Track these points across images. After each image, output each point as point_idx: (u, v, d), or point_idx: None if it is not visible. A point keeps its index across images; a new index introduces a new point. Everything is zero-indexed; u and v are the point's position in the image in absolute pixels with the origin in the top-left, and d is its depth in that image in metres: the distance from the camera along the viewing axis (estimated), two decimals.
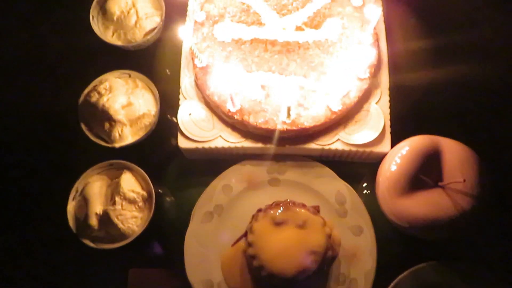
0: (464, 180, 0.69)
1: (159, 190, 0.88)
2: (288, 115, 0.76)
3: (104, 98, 0.84)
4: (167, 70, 0.96)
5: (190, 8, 0.89)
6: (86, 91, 0.88)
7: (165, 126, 0.89)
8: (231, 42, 0.84)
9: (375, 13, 0.76)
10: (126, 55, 0.94)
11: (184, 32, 0.88)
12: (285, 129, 0.78)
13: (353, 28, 0.84)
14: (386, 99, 0.84)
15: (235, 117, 0.79)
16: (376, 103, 0.83)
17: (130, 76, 0.91)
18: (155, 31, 0.92)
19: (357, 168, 0.88)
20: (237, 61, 0.83)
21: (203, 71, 0.83)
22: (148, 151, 0.88)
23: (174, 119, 0.85)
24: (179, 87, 0.86)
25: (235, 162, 0.86)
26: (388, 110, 0.83)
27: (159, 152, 0.90)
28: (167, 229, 0.88)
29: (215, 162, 0.87)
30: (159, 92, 0.88)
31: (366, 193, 0.89)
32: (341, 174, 0.85)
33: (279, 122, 0.78)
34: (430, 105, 0.87)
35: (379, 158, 0.82)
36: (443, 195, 0.72)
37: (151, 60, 0.95)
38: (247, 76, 0.81)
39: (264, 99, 0.80)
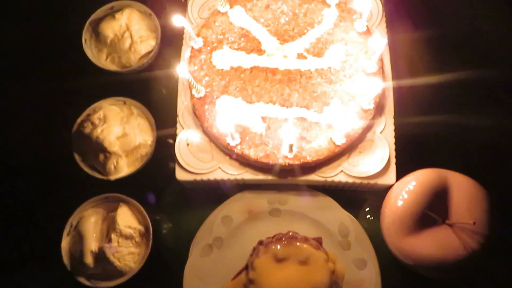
0: (474, 223, 0.67)
1: (157, 217, 0.86)
2: (290, 150, 0.74)
3: (98, 130, 0.81)
4: (163, 90, 0.92)
5: (186, 33, 0.85)
6: (79, 120, 0.85)
7: (162, 153, 0.86)
8: (230, 70, 0.81)
9: (381, 43, 0.73)
10: (121, 79, 0.91)
11: (180, 64, 0.84)
12: (287, 164, 0.75)
13: (357, 55, 0.81)
14: (391, 128, 0.81)
15: (235, 150, 0.76)
16: (381, 132, 0.80)
17: (125, 103, 0.87)
18: (151, 55, 0.89)
19: (360, 192, 0.86)
20: (236, 91, 0.79)
21: (201, 101, 0.80)
22: (144, 181, 0.85)
23: (170, 140, 0.82)
24: (176, 112, 0.83)
25: (234, 191, 0.83)
26: (393, 140, 0.80)
27: (156, 181, 0.87)
28: (165, 258, 0.85)
29: (214, 189, 0.85)
30: (155, 117, 0.85)
31: (369, 218, 0.86)
32: (343, 198, 0.82)
33: (281, 156, 0.75)
34: (436, 135, 0.84)
35: (384, 189, 0.80)
36: (451, 234, 0.70)
37: (147, 84, 0.91)
38: (247, 108, 0.78)
39: (265, 131, 0.77)
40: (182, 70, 0.74)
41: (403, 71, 0.84)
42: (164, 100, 0.88)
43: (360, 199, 0.87)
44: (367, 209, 0.87)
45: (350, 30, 0.82)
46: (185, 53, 0.84)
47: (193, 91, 0.79)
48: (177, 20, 0.77)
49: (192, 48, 0.83)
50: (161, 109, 0.88)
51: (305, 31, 0.83)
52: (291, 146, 0.72)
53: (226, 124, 0.72)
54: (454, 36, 0.87)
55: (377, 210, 0.80)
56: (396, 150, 0.80)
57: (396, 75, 0.81)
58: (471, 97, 0.84)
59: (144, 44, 0.89)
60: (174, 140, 0.82)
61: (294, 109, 0.78)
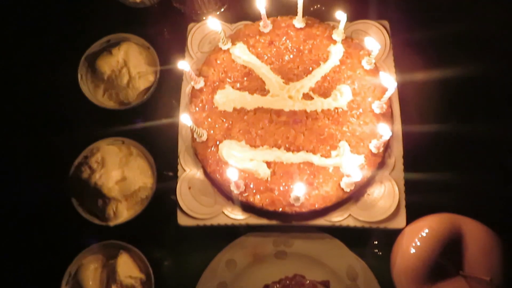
0: (490, 280, 0.64)
1: (158, 260, 0.83)
2: (297, 200, 0.71)
3: (97, 175, 0.77)
4: (163, 127, 0.88)
5: (187, 74, 0.81)
6: (76, 162, 0.82)
7: (162, 195, 0.82)
8: (232, 112, 0.78)
9: (390, 86, 0.70)
10: (119, 116, 0.87)
11: (180, 106, 0.81)
12: (293, 212, 0.72)
13: (365, 94, 0.78)
14: (400, 168, 0.78)
15: (239, 198, 0.73)
16: (390, 173, 0.77)
17: (123, 142, 0.84)
18: (150, 91, 0.85)
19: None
20: (240, 134, 0.76)
21: (203, 145, 0.77)
22: (145, 225, 0.82)
23: (171, 173, 0.80)
24: (176, 152, 0.80)
25: (239, 234, 0.80)
26: (403, 181, 0.78)
27: (157, 224, 0.84)
28: None
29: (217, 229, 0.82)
30: (155, 157, 0.82)
31: (377, 253, 0.84)
32: (349, 232, 0.79)
33: (287, 203, 0.72)
34: (446, 175, 0.80)
35: (393, 232, 0.77)
36: (465, 287, 0.67)
37: (146, 121, 0.88)
38: (252, 153, 0.75)
39: (270, 177, 0.74)
40: (183, 117, 0.71)
41: (411, 109, 0.80)
42: (164, 138, 0.84)
43: (368, 233, 0.84)
44: (375, 242, 0.84)
45: (357, 67, 0.79)
46: (185, 93, 0.80)
47: (195, 135, 0.76)
48: (179, 64, 0.73)
49: (193, 88, 0.79)
50: (161, 148, 0.84)
51: (311, 69, 0.80)
52: (297, 198, 0.69)
53: (231, 174, 0.69)
54: (464, 77, 0.84)
55: (385, 245, 0.78)
56: (405, 191, 0.77)
57: (404, 115, 0.78)
58: (480, 137, 0.81)
59: (142, 80, 0.86)
60: (175, 182, 0.79)
61: (300, 154, 0.75)
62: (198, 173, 0.79)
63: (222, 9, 0.91)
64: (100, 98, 0.88)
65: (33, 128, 0.89)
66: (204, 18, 0.90)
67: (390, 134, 0.69)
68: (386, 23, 0.86)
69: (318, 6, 0.93)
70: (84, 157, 0.81)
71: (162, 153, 0.84)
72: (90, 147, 0.82)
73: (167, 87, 0.88)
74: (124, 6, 0.92)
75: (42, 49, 0.93)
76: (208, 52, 0.85)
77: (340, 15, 0.75)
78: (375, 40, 0.73)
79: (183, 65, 0.74)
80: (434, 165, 0.81)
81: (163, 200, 0.81)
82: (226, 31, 0.87)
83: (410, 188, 0.77)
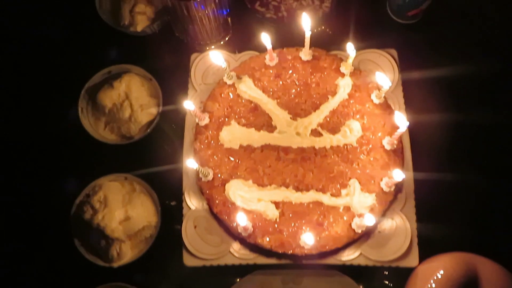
0: None
1: None
2: (307, 244, 0.68)
3: (99, 216, 0.75)
4: (168, 161, 0.85)
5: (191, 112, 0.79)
6: (78, 200, 0.79)
7: (167, 233, 0.79)
8: (239, 149, 0.75)
9: (402, 124, 0.68)
10: (121, 149, 0.85)
11: (184, 150, 0.79)
12: (303, 254, 0.70)
13: (375, 129, 0.75)
14: (411, 204, 0.76)
15: (247, 240, 0.71)
16: (401, 209, 0.75)
17: (126, 178, 0.82)
18: (153, 124, 0.83)
19: None
20: (246, 173, 0.74)
21: (209, 185, 0.74)
22: (149, 265, 0.80)
23: (174, 206, 0.78)
24: (181, 188, 0.78)
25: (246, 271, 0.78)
26: (414, 217, 0.75)
27: (162, 264, 0.81)
28: None
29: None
30: (159, 193, 0.80)
31: (388, 284, 0.82)
32: (359, 269, 0.76)
33: (297, 245, 0.70)
34: (459, 209, 0.78)
35: (405, 269, 0.75)
36: None
37: (149, 155, 0.85)
38: (259, 193, 0.73)
39: (279, 218, 0.72)
40: (189, 161, 0.69)
41: (422, 141, 0.78)
42: (168, 173, 0.82)
43: (379, 269, 0.82)
44: (386, 281, 0.82)
45: (366, 101, 0.77)
46: (190, 128, 0.78)
47: (200, 175, 0.74)
48: (184, 104, 0.71)
49: (197, 125, 0.77)
50: (165, 183, 0.82)
51: (318, 103, 0.77)
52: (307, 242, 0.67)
53: (239, 219, 0.67)
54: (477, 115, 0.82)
55: (397, 282, 0.76)
56: (417, 228, 0.75)
57: (415, 147, 0.76)
58: (495, 171, 0.80)
59: (145, 113, 0.84)
60: (180, 219, 0.77)
61: (309, 193, 0.72)
62: (204, 211, 0.76)
63: (227, 38, 0.88)
64: (102, 131, 0.86)
65: (33, 165, 0.86)
66: (207, 48, 0.87)
67: (403, 177, 0.67)
68: (394, 52, 0.84)
69: (325, 33, 0.90)
70: (86, 196, 0.79)
71: (166, 188, 0.81)
72: (92, 184, 0.80)
73: (170, 120, 0.85)
74: (125, 35, 0.90)
75: (41, 81, 0.90)
76: (212, 84, 0.83)
77: (350, 49, 0.73)
78: (384, 75, 0.71)
79: (187, 104, 0.72)
80: (446, 200, 0.78)
81: (168, 238, 0.79)
82: (231, 62, 0.84)
83: (422, 223, 0.75)
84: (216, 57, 0.74)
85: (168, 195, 0.81)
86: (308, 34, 0.73)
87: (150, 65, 0.87)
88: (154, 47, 0.91)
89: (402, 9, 0.90)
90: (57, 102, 0.88)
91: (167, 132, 0.85)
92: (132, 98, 0.83)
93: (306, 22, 0.72)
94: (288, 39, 0.89)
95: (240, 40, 0.89)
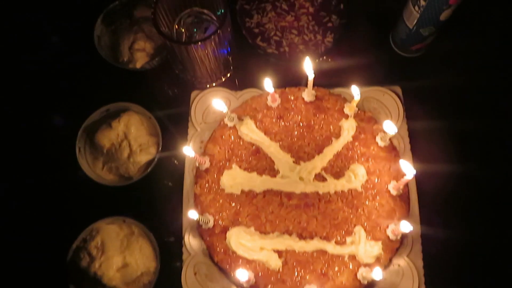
0: None
1: None
2: None
3: (96, 264, 0.73)
4: (167, 203, 0.82)
5: (190, 149, 0.77)
6: (74, 245, 0.77)
7: (167, 279, 0.77)
8: (240, 194, 0.73)
9: (409, 172, 0.66)
10: (120, 190, 0.82)
11: (184, 195, 0.77)
12: None
13: (380, 172, 0.73)
14: (418, 248, 0.73)
15: None
16: (407, 255, 0.73)
17: (124, 221, 0.79)
18: (152, 165, 0.81)
19: None
20: (248, 220, 0.72)
21: (210, 232, 0.72)
22: None
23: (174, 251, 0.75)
24: (181, 232, 0.75)
25: None
26: (421, 263, 0.73)
27: None
28: None
29: None
30: (158, 236, 0.77)
31: None
32: None
33: None
34: (465, 255, 0.76)
35: None
36: None
37: (148, 196, 0.83)
38: (262, 241, 0.70)
39: (282, 268, 0.69)
40: (190, 213, 0.67)
41: (428, 188, 0.76)
42: (168, 215, 0.80)
43: None
44: None
45: (371, 143, 0.75)
46: (189, 170, 0.76)
47: (200, 222, 0.71)
48: (183, 150, 0.69)
49: (198, 169, 0.75)
50: (164, 225, 0.80)
51: (322, 145, 0.75)
52: None
53: (241, 275, 0.64)
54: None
55: None
56: (425, 274, 0.73)
57: (421, 192, 0.74)
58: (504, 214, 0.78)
59: (144, 153, 0.82)
60: (180, 265, 0.74)
61: (313, 242, 0.70)
62: (204, 256, 0.74)
63: (228, 75, 0.86)
64: (100, 171, 0.83)
65: (29, 206, 0.84)
66: (208, 85, 0.85)
67: (411, 229, 0.65)
68: (398, 89, 0.83)
69: (327, 69, 0.89)
70: (83, 240, 0.77)
71: (166, 230, 0.79)
72: (89, 228, 0.78)
73: (170, 160, 0.83)
74: (124, 71, 0.88)
75: (38, 119, 0.89)
76: (213, 123, 0.81)
77: (355, 92, 0.71)
78: (391, 122, 0.69)
79: (187, 151, 0.70)
80: (453, 243, 0.76)
81: (167, 285, 0.76)
82: (232, 100, 0.83)
83: (429, 268, 0.73)
84: (217, 103, 0.72)
85: (167, 236, 0.79)
86: (311, 77, 0.72)
87: (150, 102, 0.85)
88: (153, 83, 0.89)
89: (405, 43, 0.89)
90: (54, 141, 0.86)
91: (166, 172, 0.83)
92: (131, 138, 0.82)
93: (309, 66, 0.71)
94: (290, 74, 0.87)
95: (242, 77, 0.88)
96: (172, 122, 0.85)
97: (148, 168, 0.81)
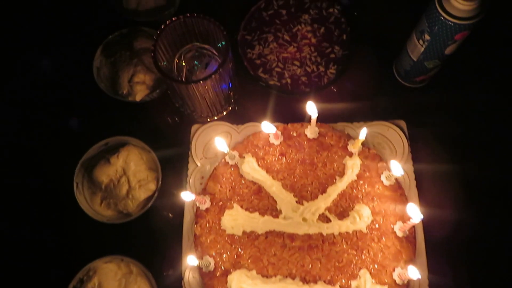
0: None
1: None
2: None
3: None
4: (166, 242, 0.80)
5: (190, 184, 0.76)
6: (71, 286, 0.74)
7: None
8: (242, 236, 0.71)
9: (416, 216, 0.64)
10: (118, 227, 0.80)
11: (184, 235, 0.75)
12: None
13: (385, 212, 0.71)
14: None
15: None
16: None
17: (122, 260, 0.77)
18: (151, 202, 0.79)
19: None
20: (250, 262, 0.70)
21: (211, 275, 0.70)
22: None
23: None
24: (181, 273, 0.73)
25: None
26: None
27: None
28: None
29: None
30: (156, 276, 0.75)
31: None
32: None
33: None
34: None
35: None
36: None
37: (147, 234, 0.81)
38: (264, 286, 0.68)
39: None
40: (189, 259, 0.65)
41: (435, 231, 0.74)
42: (167, 254, 0.78)
43: None
44: None
45: (376, 182, 0.73)
46: (189, 209, 0.74)
47: (201, 265, 0.69)
48: (181, 195, 0.68)
49: (198, 208, 0.73)
50: (164, 265, 0.78)
51: (325, 184, 0.73)
52: None
53: None
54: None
55: None
56: None
57: (428, 233, 0.72)
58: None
59: (143, 189, 0.80)
60: None
61: (317, 286, 0.68)
62: None
63: (229, 108, 0.85)
64: (98, 206, 0.81)
65: (23, 244, 0.82)
66: (209, 119, 0.84)
67: (419, 277, 0.62)
68: (402, 123, 0.81)
69: (330, 101, 0.87)
70: (80, 281, 0.75)
71: (165, 271, 0.77)
72: (86, 267, 0.76)
73: (170, 196, 0.81)
74: (123, 103, 0.86)
75: (35, 153, 0.87)
76: (214, 158, 0.79)
77: (362, 133, 0.69)
78: (397, 163, 0.67)
79: (185, 196, 0.68)
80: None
81: None
82: (233, 134, 0.81)
83: None
84: (219, 143, 0.70)
85: (167, 276, 0.77)
86: (314, 117, 0.70)
87: (149, 135, 0.84)
88: (153, 116, 0.88)
89: (409, 74, 0.87)
90: (51, 176, 0.85)
91: (166, 209, 0.81)
92: (129, 174, 0.80)
93: (312, 108, 0.69)
94: (292, 107, 0.86)
95: (243, 110, 0.86)
96: (172, 157, 0.83)
97: (147, 204, 0.79)
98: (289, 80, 0.87)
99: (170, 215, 0.81)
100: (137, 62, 0.85)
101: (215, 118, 0.84)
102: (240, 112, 0.86)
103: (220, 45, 0.78)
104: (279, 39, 0.90)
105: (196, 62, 0.82)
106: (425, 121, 0.86)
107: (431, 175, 0.79)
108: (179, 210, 0.78)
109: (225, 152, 0.71)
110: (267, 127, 0.71)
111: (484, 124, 0.86)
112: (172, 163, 0.83)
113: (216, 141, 0.71)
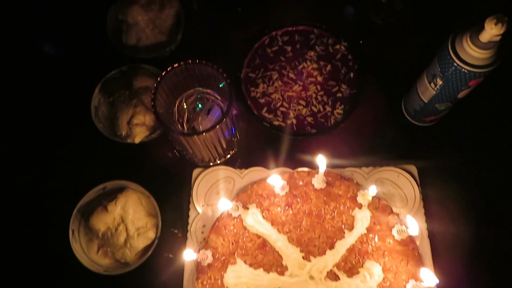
0: None
1: None
2: None
3: None
4: (169, 273, 0.78)
5: (191, 233, 0.72)
6: None
7: None
8: None
9: (431, 281, 0.60)
10: (116, 278, 0.77)
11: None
12: None
13: (397, 269, 0.68)
14: None
15: None
16: None
17: None
18: (150, 250, 0.75)
19: None
20: None
21: None
22: None
23: None
24: None
25: None
26: None
27: None
28: None
29: None
30: None
31: None
32: None
33: None
34: None
35: None
36: None
37: (145, 280, 0.77)
38: None
39: None
40: None
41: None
42: None
43: None
44: None
45: (387, 235, 0.69)
46: (190, 263, 0.71)
47: None
48: (183, 255, 0.64)
49: (199, 263, 0.69)
50: None
51: (333, 238, 0.70)
52: None
53: None
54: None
55: None
56: None
57: None
58: None
59: (141, 238, 0.76)
60: None
61: None
62: None
63: (232, 152, 0.81)
64: (94, 254, 0.78)
65: None
66: (211, 163, 0.80)
67: None
68: (413, 168, 0.78)
69: (337, 144, 0.84)
70: None
71: None
72: None
73: (169, 244, 0.78)
74: (121, 145, 0.83)
75: (30, 199, 0.83)
76: (216, 205, 0.75)
77: (372, 190, 0.66)
78: (414, 220, 0.64)
79: (187, 255, 0.64)
80: None
81: None
82: (236, 179, 0.78)
83: None
84: (223, 204, 0.67)
85: None
86: (322, 171, 0.67)
87: (148, 178, 0.80)
88: (153, 158, 0.84)
89: (419, 114, 0.84)
90: (46, 222, 0.81)
91: (165, 259, 0.77)
92: (128, 221, 0.76)
93: (322, 162, 0.66)
94: (298, 149, 0.83)
95: (246, 153, 0.83)
96: (172, 201, 0.80)
97: (146, 253, 0.75)
98: (294, 121, 0.84)
99: (169, 266, 0.77)
100: (136, 103, 0.82)
101: (219, 162, 0.80)
102: (243, 155, 0.83)
103: (221, 86, 0.75)
104: (284, 77, 0.87)
105: (198, 103, 0.79)
106: (436, 162, 0.82)
107: (444, 227, 0.75)
108: (180, 259, 0.74)
109: (230, 212, 0.67)
110: (275, 180, 0.67)
111: (501, 165, 0.82)
112: (173, 208, 0.79)
113: (220, 203, 0.67)
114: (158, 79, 0.67)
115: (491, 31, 0.61)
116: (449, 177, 0.81)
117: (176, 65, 0.68)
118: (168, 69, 0.68)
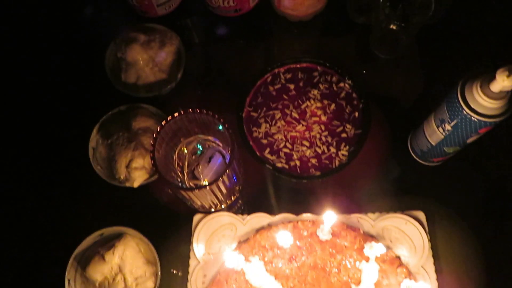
0: None
1: None
2: None
3: None
4: None
5: (191, 283, 0.70)
6: None
7: None
8: None
9: None
10: None
11: None
12: None
13: None
14: None
15: None
16: None
17: None
18: None
19: None
20: None
21: None
22: None
23: None
24: None
25: None
26: None
27: None
28: None
29: None
30: None
31: None
32: None
33: None
34: None
35: None
36: None
37: None
38: None
39: None
40: None
41: None
42: None
43: None
44: None
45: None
46: None
47: None
48: None
49: None
50: None
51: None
52: None
53: None
54: None
55: None
56: None
57: None
58: None
59: None
60: None
61: None
62: None
63: (233, 198, 0.79)
64: None
65: None
66: (212, 209, 0.78)
67: None
68: (421, 215, 0.75)
69: (342, 188, 0.81)
70: None
71: None
72: None
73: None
74: (119, 188, 0.80)
75: (26, 246, 0.81)
76: (218, 253, 0.73)
77: (380, 249, 0.64)
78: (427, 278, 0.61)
79: None
80: None
81: None
82: (237, 225, 0.75)
83: None
84: (230, 260, 0.64)
85: None
86: (327, 228, 0.64)
87: (147, 224, 0.78)
88: (152, 201, 0.82)
89: (426, 155, 0.82)
90: (41, 270, 0.78)
91: None
92: (126, 271, 0.74)
93: (330, 219, 0.63)
94: (302, 193, 0.80)
95: (249, 197, 0.80)
96: (172, 247, 0.77)
97: None
98: (298, 162, 0.81)
99: None
100: (135, 145, 0.80)
101: (223, 207, 0.78)
102: (245, 200, 0.80)
103: (220, 127, 0.72)
104: (287, 116, 0.85)
105: (198, 145, 0.77)
106: (445, 203, 0.80)
107: (455, 276, 0.72)
108: None
109: (237, 270, 0.65)
110: (284, 237, 0.65)
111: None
112: (173, 253, 0.76)
113: (225, 258, 0.65)
114: (158, 129, 0.65)
115: (503, 83, 0.59)
116: (459, 220, 0.78)
117: (177, 114, 0.66)
118: (165, 122, 0.65)
